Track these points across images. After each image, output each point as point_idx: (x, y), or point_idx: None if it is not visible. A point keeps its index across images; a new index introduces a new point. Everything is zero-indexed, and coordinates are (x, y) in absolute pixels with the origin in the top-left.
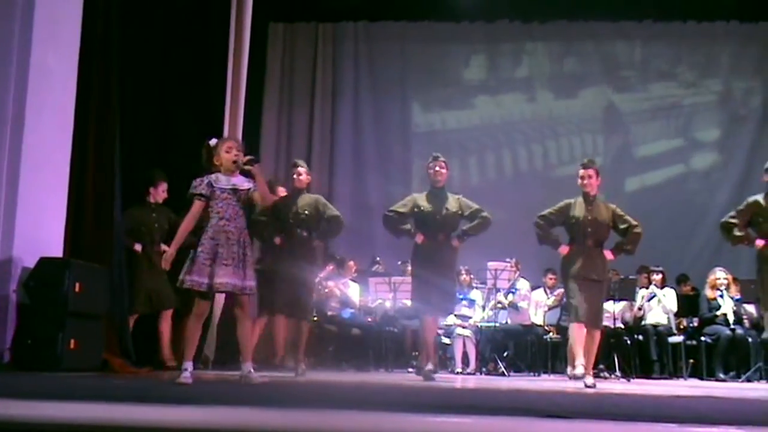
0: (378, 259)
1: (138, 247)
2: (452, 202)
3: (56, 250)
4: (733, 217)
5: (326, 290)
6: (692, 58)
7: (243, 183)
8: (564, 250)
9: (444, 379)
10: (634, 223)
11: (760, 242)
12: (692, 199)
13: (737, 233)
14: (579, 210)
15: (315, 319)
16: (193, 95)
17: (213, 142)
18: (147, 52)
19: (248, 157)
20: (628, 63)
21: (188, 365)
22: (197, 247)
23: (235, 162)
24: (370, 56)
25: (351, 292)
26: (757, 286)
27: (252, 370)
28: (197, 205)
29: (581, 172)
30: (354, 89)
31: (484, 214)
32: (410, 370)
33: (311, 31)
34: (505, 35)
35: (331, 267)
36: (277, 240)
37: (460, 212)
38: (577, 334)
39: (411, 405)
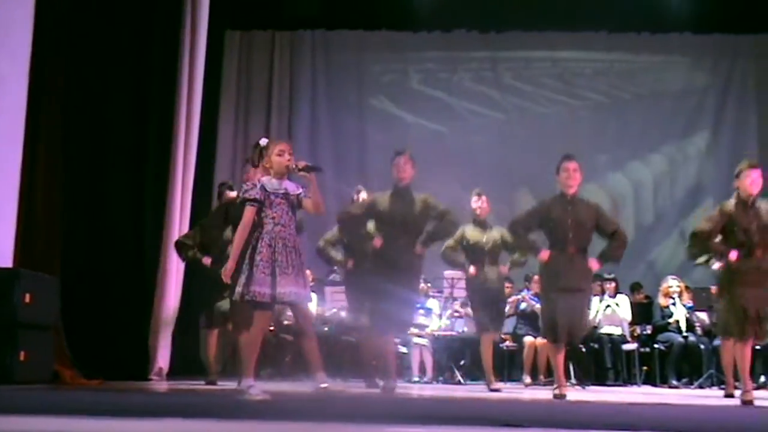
0: (335, 268)
1: (207, 260)
2: (418, 203)
3: (5, 260)
4: (704, 227)
5: None
6: (647, 69)
7: (293, 188)
8: (544, 255)
9: (401, 388)
10: (620, 226)
11: (733, 255)
12: (645, 208)
13: (713, 244)
14: (559, 211)
15: (272, 329)
16: (145, 103)
17: (263, 142)
18: (98, 60)
19: (304, 164)
20: (584, 73)
21: (251, 381)
22: (253, 256)
23: (287, 167)
24: (327, 65)
25: None
26: (719, 302)
27: (325, 382)
28: (251, 211)
29: (566, 165)
30: (311, 98)
31: (451, 217)
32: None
33: (268, 39)
34: (463, 45)
35: None
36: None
37: (426, 214)
38: (557, 352)
39: (368, 415)
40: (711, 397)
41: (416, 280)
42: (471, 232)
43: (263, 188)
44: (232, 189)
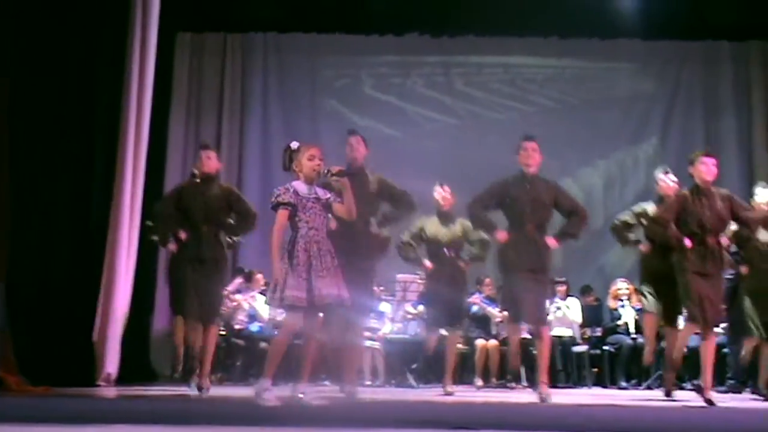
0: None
1: (173, 246)
2: (373, 183)
3: None
4: (664, 215)
5: (234, 304)
6: (597, 75)
7: (322, 192)
8: (501, 236)
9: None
10: (579, 203)
11: (688, 242)
12: (595, 213)
13: (671, 231)
14: (517, 189)
15: (223, 333)
16: (93, 105)
17: (294, 145)
18: (45, 61)
19: (338, 168)
20: (535, 79)
21: (268, 384)
22: (290, 260)
23: (317, 172)
24: (279, 68)
25: (259, 305)
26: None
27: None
28: (283, 215)
29: (525, 144)
30: (263, 101)
31: (408, 198)
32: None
33: (220, 41)
34: (415, 49)
35: (239, 280)
36: (182, 235)
37: (381, 193)
38: (516, 338)
39: (319, 419)
40: (659, 398)
41: (372, 269)
42: (430, 225)
43: (296, 192)
44: (195, 176)
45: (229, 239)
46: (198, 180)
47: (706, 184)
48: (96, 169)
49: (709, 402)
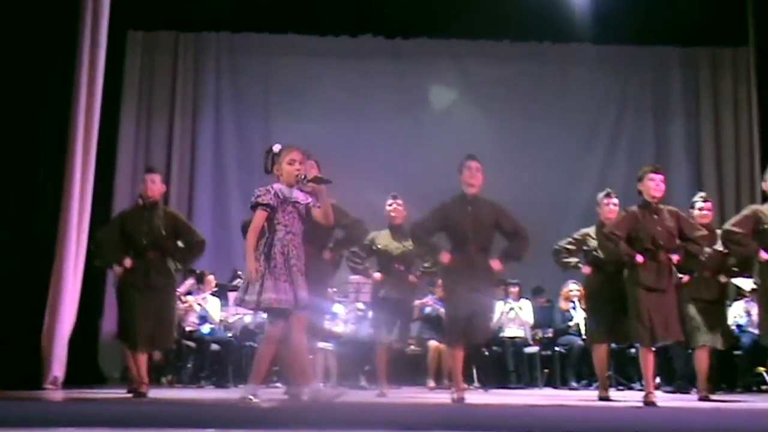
0: (239, 272)
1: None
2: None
3: None
4: (616, 230)
5: (185, 305)
6: (548, 79)
7: (303, 197)
8: (445, 258)
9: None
10: (521, 225)
11: (639, 258)
12: (546, 216)
13: (623, 247)
14: (458, 212)
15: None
16: (41, 104)
17: (276, 148)
18: None
19: (314, 175)
20: (487, 82)
21: (256, 390)
22: (267, 263)
23: (296, 177)
24: (232, 68)
25: (210, 307)
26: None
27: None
28: (261, 216)
29: (469, 163)
30: (215, 101)
31: (361, 225)
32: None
33: (172, 40)
34: (369, 51)
35: (191, 281)
36: (128, 262)
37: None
38: (453, 355)
39: (268, 421)
40: (611, 398)
41: (323, 285)
42: (382, 238)
43: (277, 195)
44: (139, 201)
45: (177, 265)
46: (142, 204)
47: (655, 200)
48: (43, 169)
49: (651, 404)
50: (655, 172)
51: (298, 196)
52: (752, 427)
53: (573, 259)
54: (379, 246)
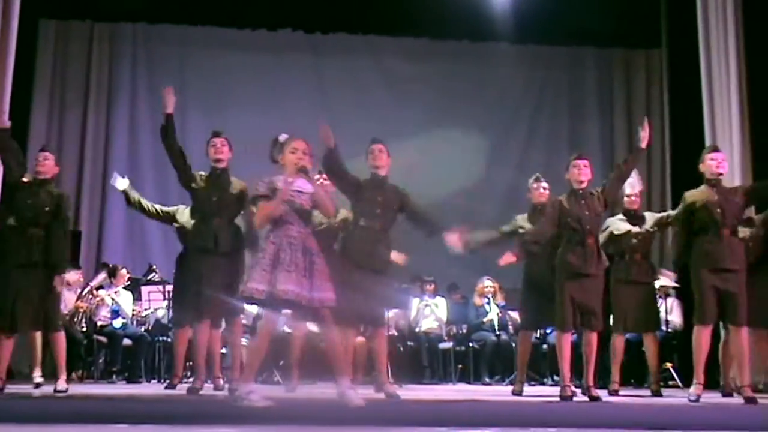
0: (154, 266)
1: None
2: (236, 185)
3: None
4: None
5: (97, 299)
6: (466, 77)
7: (306, 186)
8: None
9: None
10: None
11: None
12: (462, 212)
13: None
14: (371, 188)
15: (83, 329)
16: None
17: (283, 138)
18: None
19: (302, 165)
20: (406, 79)
21: (252, 387)
22: (267, 255)
23: (296, 165)
24: (148, 60)
25: (123, 301)
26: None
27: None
28: (263, 207)
29: (373, 147)
30: (131, 93)
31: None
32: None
33: (86, 30)
34: (288, 45)
35: (103, 275)
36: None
37: (237, 195)
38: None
39: (187, 416)
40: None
41: (235, 261)
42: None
43: (274, 185)
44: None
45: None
46: (29, 181)
47: (581, 185)
48: None
49: (567, 398)
50: (579, 158)
51: (302, 185)
52: (659, 422)
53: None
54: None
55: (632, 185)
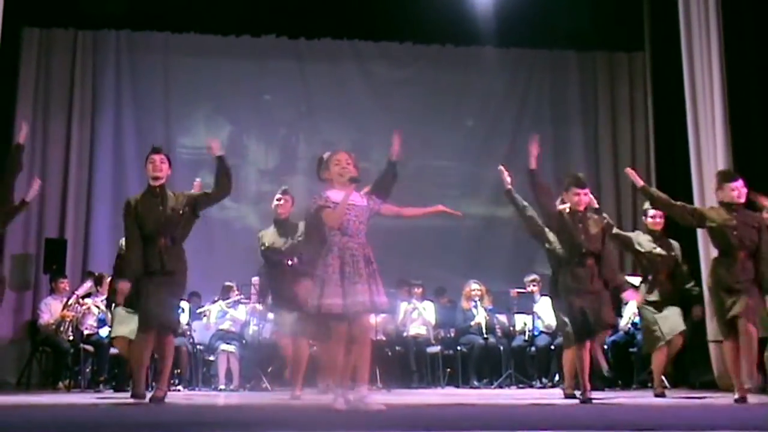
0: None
1: None
2: (171, 200)
3: None
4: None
5: (84, 308)
6: (450, 80)
7: (357, 198)
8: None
9: (206, 396)
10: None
11: None
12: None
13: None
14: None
15: (70, 339)
16: None
17: (326, 155)
18: None
19: (350, 175)
20: (390, 83)
21: (341, 390)
22: (325, 268)
23: (342, 176)
24: (132, 67)
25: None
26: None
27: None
28: (328, 214)
29: (339, 156)
30: (115, 100)
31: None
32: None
33: (69, 38)
34: (272, 52)
35: (89, 284)
36: None
37: (181, 211)
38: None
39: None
40: (508, 395)
41: (180, 279)
42: (268, 237)
43: (326, 200)
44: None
45: None
46: None
47: (580, 212)
48: None
49: (588, 401)
50: (579, 186)
51: (354, 198)
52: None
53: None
54: (266, 245)
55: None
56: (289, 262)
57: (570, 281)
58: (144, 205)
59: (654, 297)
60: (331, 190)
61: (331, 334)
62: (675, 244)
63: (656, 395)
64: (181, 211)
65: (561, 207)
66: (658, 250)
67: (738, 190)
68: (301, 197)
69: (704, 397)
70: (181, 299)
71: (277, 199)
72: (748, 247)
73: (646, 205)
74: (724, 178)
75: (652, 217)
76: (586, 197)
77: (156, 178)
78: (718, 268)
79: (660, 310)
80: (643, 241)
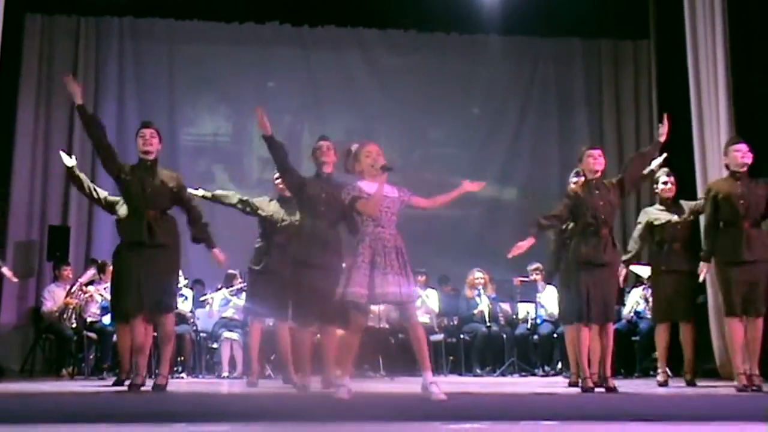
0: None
1: None
2: (168, 177)
3: None
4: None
5: (87, 295)
6: (455, 69)
7: (389, 189)
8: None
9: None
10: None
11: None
12: (453, 204)
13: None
14: (314, 187)
15: (74, 326)
16: None
17: (354, 147)
18: None
19: (381, 163)
20: (394, 71)
21: (347, 381)
22: (355, 257)
23: (374, 166)
24: (135, 54)
25: None
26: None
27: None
28: (363, 204)
29: (321, 143)
30: (118, 87)
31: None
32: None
33: (72, 24)
34: (275, 39)
35: (92, 271)
36: None
37: (174, 188)
38: (303, 338)
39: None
40: (511, 383)
41: (173, 252)
42: (271, 207)
43: (360, 191)
44: None
45: None
46: None
47: (595, 174)
48: None
49: (589, 389)
50: (593, 148)
51: (388, 191)
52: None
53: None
54: (264, 212)
55: (667, 172)
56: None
57: (583, 250)
58: (134, 175)
59: (675, 266)
60: (362, 182)
61: (352, 323)
62: (687, 204)
63: (660, 384)
64: (171, 187)
65: (573, 185)
66: (675, 218)
67: (742, 152)
68: None
69: (707, 386)
70: (177, 276)
71: (276, 177)
72: (753, 217)
73: (659, 173)
74: (729, 142)
75: (664, 183)
76: (600, 158)
77: (146, 152)
78: (722, 239)
79: (676, 285)
80: (658, 216)
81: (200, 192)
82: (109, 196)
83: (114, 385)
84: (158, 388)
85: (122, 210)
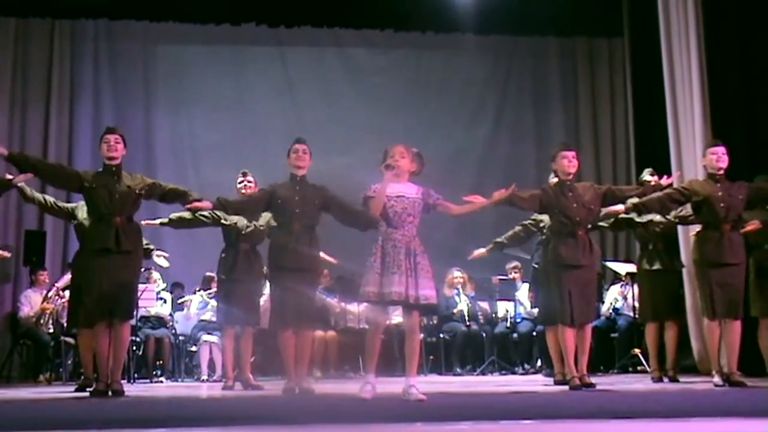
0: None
1: None
2: (135, 180)
3: None
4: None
5: (64, 300)
6: (431, 67)
7: (410, 191)
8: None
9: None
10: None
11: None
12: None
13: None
14: (286, 191)
15: (50, 331)
16: None
17: (389, 147)
18: None
19: (386, 163)
20: (371, 70)
21: (371, 378)
22: (369, 256)
23: (387, 167)
24: (111, 56)
25: None
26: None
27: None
28: (373, 203)
29: (296, 146)
30: (93, 90)
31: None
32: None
33: (47, 27)
34: (252, 39)
35: (69, 276)
36: None
37: (137, 190)
38: (287, 341)
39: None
40: (491, 382)
41: (136, 259)
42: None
43: (374, 190)
44: None
45: None
46: None
47: (568, 176)
48: None
49: (577, 387)
50: (566, 149)
51: (405, 190)
52: (627, 408)
53: None
54: (227, 221)
55: (651, 172)
56: (247, 247)
57: (562, 252)
58: (99, 182)
59: (659, 265)
60: (390, 182)
61: (371, 322)
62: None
63: (654, 380)
64: (137, 191)
65: (549, 182)
66: (657, 217)
67: (717, 155)
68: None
69: (686, 382)
70: (138, 283)
71: (239, 182)
72: (732, 219)
73: (644, 172)
74: (707, 145)
75: (648, 182)
76: (574, 160)
77: (111, 158)
78: (704, 242)
79: (663, 284)
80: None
81: (158, 221)
82: (63, 204)
83: (77, 390)
84: (117, 394)
85: (82, 214)
